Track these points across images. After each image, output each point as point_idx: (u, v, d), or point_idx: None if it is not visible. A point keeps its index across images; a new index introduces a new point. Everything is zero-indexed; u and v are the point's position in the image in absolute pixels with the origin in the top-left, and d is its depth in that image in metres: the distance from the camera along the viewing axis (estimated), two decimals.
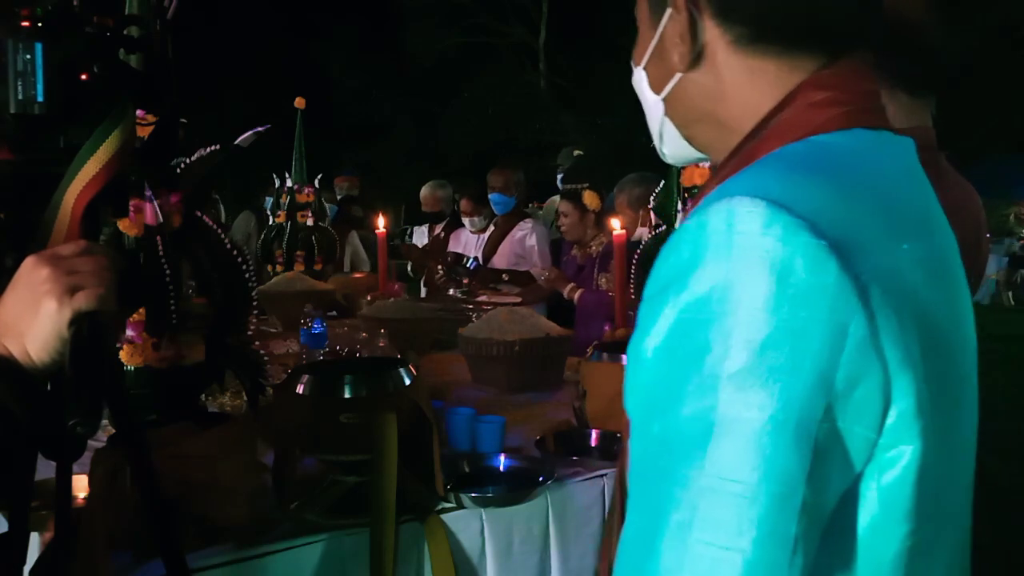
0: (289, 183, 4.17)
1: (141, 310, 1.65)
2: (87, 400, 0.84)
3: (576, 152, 5.61)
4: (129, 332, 1.65)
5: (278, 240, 4.17)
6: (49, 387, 0.89)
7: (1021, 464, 4.31)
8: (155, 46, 1.57)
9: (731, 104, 0.68)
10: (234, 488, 1.41)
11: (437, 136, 18.23)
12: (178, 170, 1.72)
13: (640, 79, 0.74)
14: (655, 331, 0.55)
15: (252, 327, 1.89)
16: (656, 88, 0.72)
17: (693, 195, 2.19)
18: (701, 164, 2.20)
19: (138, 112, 1.53)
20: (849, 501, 0.57)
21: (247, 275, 1.82)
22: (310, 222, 4.16)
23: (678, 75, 0.70)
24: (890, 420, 0.55)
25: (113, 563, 1.28)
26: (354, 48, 17.63)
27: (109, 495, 1.30)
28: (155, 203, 1.62)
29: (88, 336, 0.86)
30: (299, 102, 4.14)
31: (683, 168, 2.23)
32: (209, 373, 1.77)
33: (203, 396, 1.90)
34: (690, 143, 0.74)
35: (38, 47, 0.90)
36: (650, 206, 2.54)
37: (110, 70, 0.96)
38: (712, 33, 0.67)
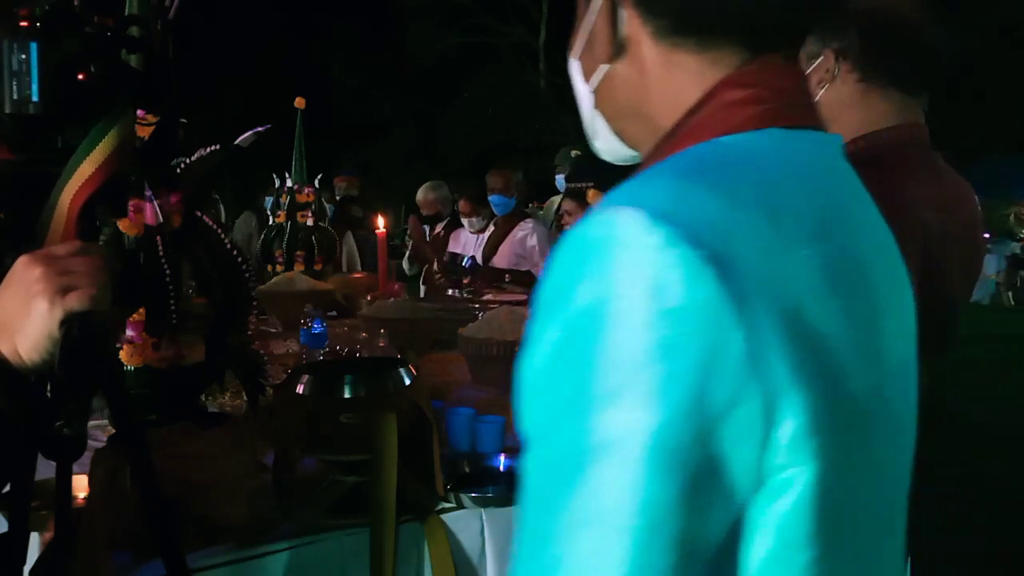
0: (289, 183, 4.17)
1: (141, 310, 1.65)
2: (74, 402, 0.84)
3: (574, 152, 5.61)
4: (129, 332, 1.65)
5: (278, 240, 4.17)
6: (47, 388, 0.89)
7: (1021, 464, 4.31)
8: (155, 46, 1.57)
9: (653, 99, 0.66)
10: (234, 488, 1.41)
11: (437, 136, 18.25)
12: (178, 170, 1.73)
13: (574, 69, 0.72)
14: (539, 350, 0.52)
15: (252, 327, 1.89)
16: (587, 79, 0.70)
17: None
18: None
19: (139, 112, 1.53)
20: (739, 531, 0.53)
21: (247, 275, 1.82)
22: (310, 222, 4.16)
23: (604, 66, 0.67)
24: (778, 442, 0.51)
25: (113, 563, 1.28)
26: (354, 48, 17.62)
27: (109, 495, 1.30)
28: (155, 203, 1.62)
29: (79, 337, 0.86)
30: (299, 102, 4.14)
31: None
32: (209, 373, 1.77)
33: (203, 396, 1.90)
34: (620, 139, 0.71)
35: (33, 47, 0.90)
36: None
37: (108, 70, 0.96)
38: (634, 23, 0.65)
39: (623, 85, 0.67)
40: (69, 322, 0.85)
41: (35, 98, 0.91)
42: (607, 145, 0.73)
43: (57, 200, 0.94)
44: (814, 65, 1.32)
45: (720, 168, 0.57)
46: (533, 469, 0.52)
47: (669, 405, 0.48)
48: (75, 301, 0.86)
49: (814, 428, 0.51)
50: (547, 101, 18.13)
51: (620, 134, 0.71)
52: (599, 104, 0.70)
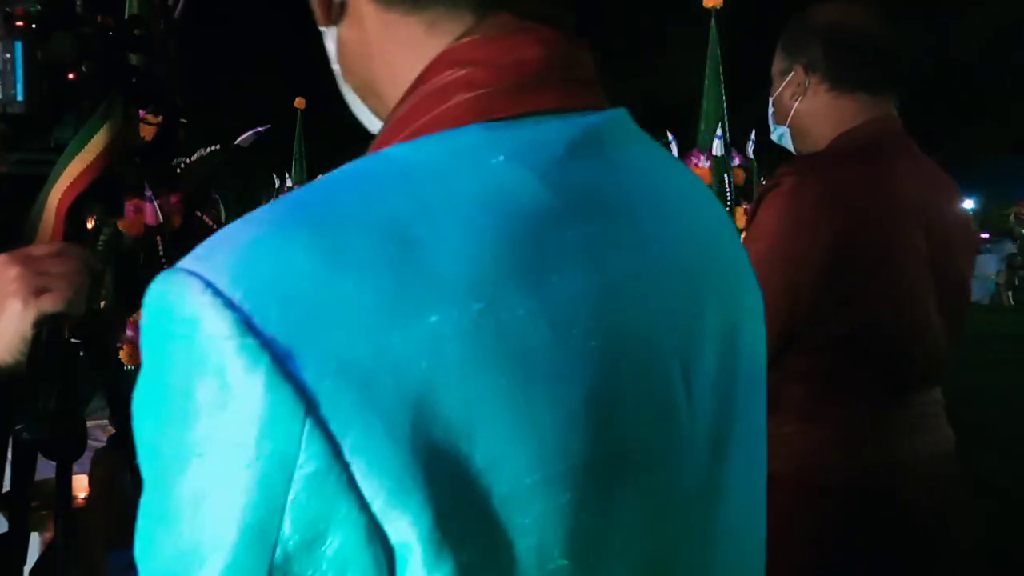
0: (289, 183, 4.18)
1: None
2: (35, 405, 0.84)
3: None
4: (129, 332, 1.65)
5: None
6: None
7: (1021, 464, 4.32)
8: (158, 46, 1.58)
9: (378, 75, 0.52)
10: None
11: None
12: (178, 170, 1.73)
13: (327, 39, 0.58)
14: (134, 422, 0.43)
15: None
16: (334, 49, 0.57)
17: None
18: (700, 164, 2.21)
19: (141, 112, 1.53)
20: None
21: None
22: None
23: (331, 30, 0.54)
24: (402, 570, 0.39)
25: (113, 563, 1.28)
26: None
27: (109, 495, 1.30)
28: (155, 203, 1.62)
29: (49, 339, 0.85)
30: (299, 102, 4.15)
31: None
32: None
33: None
34: (380, 120, 0.56)
35: (18, 46, 0.90)
36: None
37: (100, 69, 0.95)
38: None
39: (352, 53, 0.54)
40: (41, 324, 0.85)
41: (19, 97, 0.91)
42: (375, 127, 0.57)
43: (45, 200, 0.94)
44: (786, 80, 1.42)
45: (347, 203, 0.42)
46: None
47: (224, 548, 0.38)
48: (49, 303, 0.85)
49: (447, 550, 0.39)
50: None
51: (376, 114, 0.56)
52: (345, 77, 0.57)
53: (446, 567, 0.39)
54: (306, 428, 0.37)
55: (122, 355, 1.65)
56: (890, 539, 1.28)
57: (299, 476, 0.37)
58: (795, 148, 1.46)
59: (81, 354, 1.04)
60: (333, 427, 0.37)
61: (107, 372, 1.10)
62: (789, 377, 1.27)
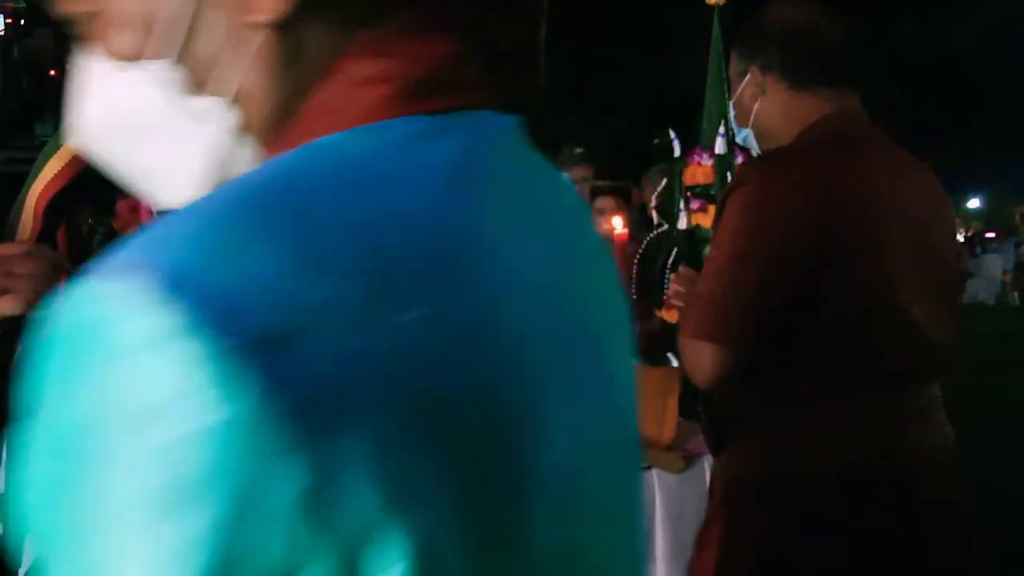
0: None
1: None
2: None
3: (577, 150, 5.59)
4: None
5: None
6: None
7: (1021, 464, 4.31)
8: None
9: (293, 75, 0.45)
10: None
11: None
12: None
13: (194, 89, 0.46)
14: (21, 478, 0.35)
15: None
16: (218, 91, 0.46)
17: (696, 194, 2.18)
18: (703, 162, 2.19)
19: None
20: None
21: None
22: None
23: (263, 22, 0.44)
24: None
25: None
26: None
27: None
28: None
29: (4, 340, 0.84)
30: None
31: (685, 166, 2.23)
32: None
33: None
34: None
35: None
36: (652, 205, 2.52)
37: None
38: None
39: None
40: (1, 325, 0.85)
41: None
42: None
43: (24, 199, 0.94)
44: (744, 82, 1.43)
45: (304, 191, 0.38)
46: None
47: None
48: (9, 304, 0.85)
49: (443, 566, 0.36)
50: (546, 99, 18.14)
51: (248, 126, 0.47)
52: (245, 119, 0.46)
53: None
54: (298, 440, 0.33)
55: None
56: (891, 534, 1.27)
57: (286, 496, 0.33)
58: (761, 148, 1.47)
59: None
60: (324, 442, 0.33)
61: None
62: (782, 372, 1.27)
